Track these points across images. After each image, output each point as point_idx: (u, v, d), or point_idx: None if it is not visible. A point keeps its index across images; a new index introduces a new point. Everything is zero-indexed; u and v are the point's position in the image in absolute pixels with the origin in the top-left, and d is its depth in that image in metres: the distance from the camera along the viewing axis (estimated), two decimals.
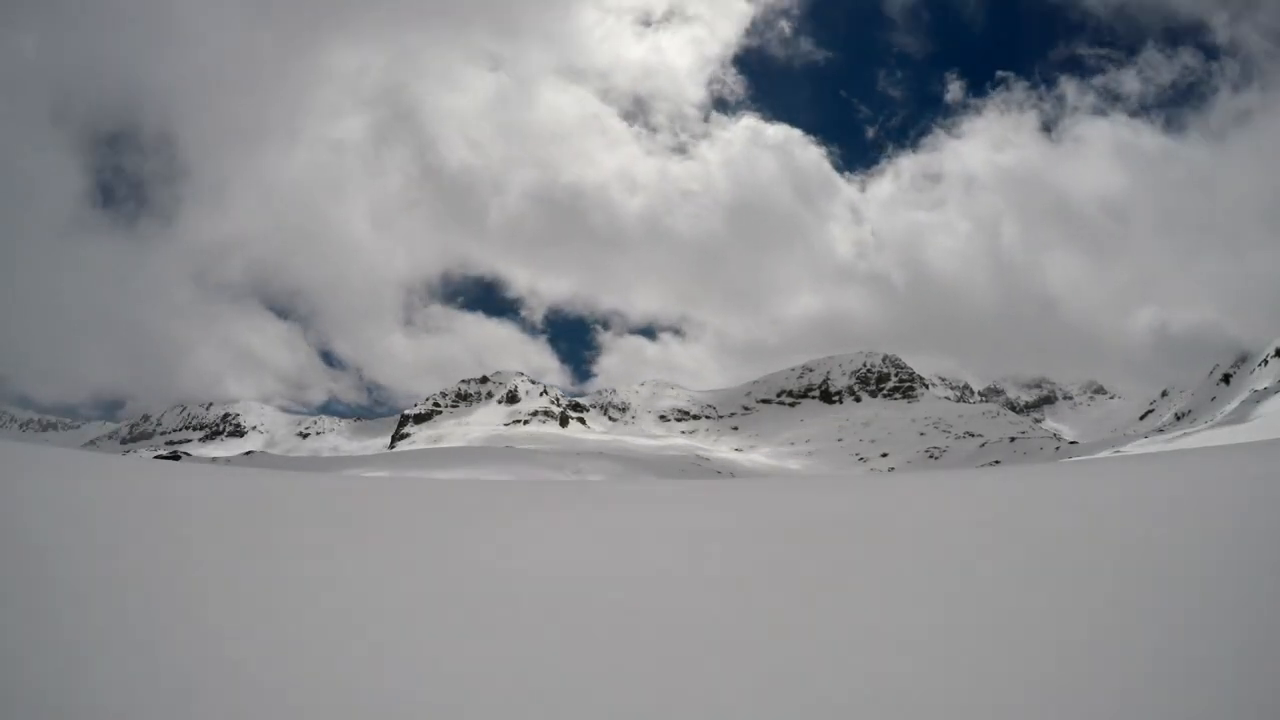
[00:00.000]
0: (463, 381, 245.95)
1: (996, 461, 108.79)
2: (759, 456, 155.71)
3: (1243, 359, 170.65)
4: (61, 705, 2.09)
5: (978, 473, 16.42)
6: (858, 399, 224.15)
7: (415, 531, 6.45)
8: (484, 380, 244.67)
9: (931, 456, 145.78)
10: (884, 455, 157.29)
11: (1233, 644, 2.55)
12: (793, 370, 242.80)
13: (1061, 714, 2.03)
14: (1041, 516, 6.80)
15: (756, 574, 4.26)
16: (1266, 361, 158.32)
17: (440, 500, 9.73)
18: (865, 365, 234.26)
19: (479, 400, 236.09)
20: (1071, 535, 5.45)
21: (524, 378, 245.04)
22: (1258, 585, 3.40)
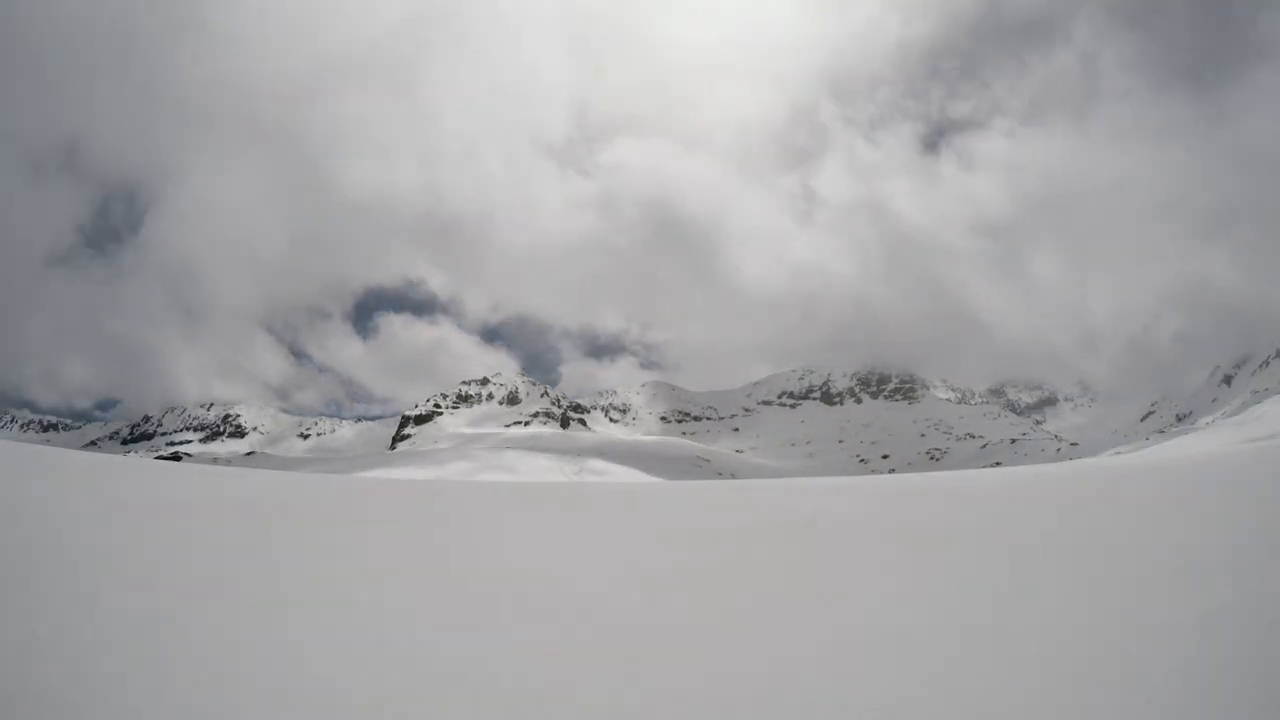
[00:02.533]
0: (463, 383, 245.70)
1: (997, 463, 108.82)
2: (760, 458, 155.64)
3: (1243, 360, 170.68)
4: (63, 706, 2.10)
5: (978, 474, 16.44)
6: (859, 400, 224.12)
7: (415, 533, 6.47)
8: (484, 381, 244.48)
9: (932, 458, 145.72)
10: (885, 457, 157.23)
11: (1232, 644, 2.57)
12: (793, 371, 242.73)
13: (1059, 714, 2.04)
14: (1040, 517, 6.82)
15: (755, 575, 4.28)
16: (1268, 363, 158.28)
17: (440, 502, 9.75)
18: (866, 366, 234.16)
19: (480, 401, 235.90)
20: (1070, 535, 5.47)
21: (525, 379, 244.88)
22: (1256, 586, 3.43)
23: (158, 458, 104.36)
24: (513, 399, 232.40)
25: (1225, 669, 2.34)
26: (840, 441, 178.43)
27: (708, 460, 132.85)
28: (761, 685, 2.34)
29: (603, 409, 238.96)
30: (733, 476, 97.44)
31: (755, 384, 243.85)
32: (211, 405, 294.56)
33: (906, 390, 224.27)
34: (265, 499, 8.65)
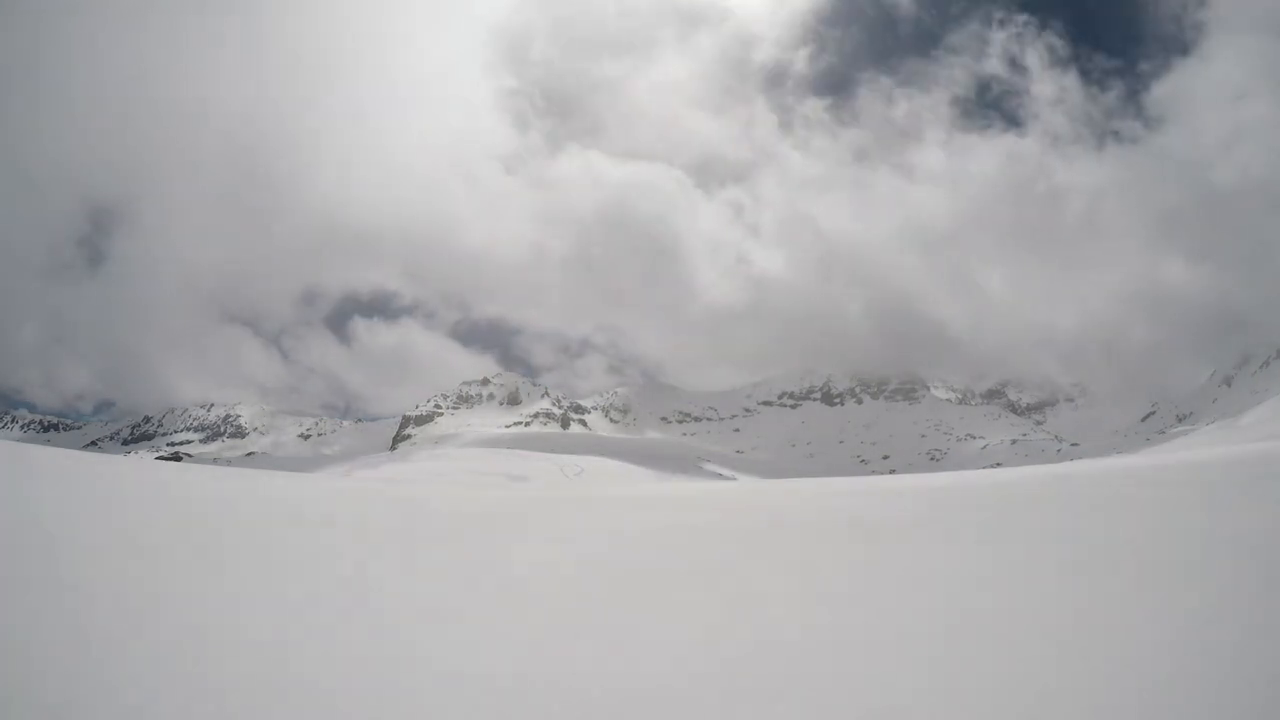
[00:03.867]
0: (464, 383, 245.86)
1: (998, 464, 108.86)
2: (761, 458, 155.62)
3: (1244, 361, 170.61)
4: (63, 705, 2.10)
5: (976, 474, 16.45)
6: (859, 401, 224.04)
7: (414, 533, 6.50)
8: (485, 382, 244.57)
9: (933, 459, 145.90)
10: (885, 457, 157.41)
11: (1230, 644, 2.58)
12: (794, 372, 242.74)
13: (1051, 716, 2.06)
14: (1039, 517, 6.84)
15: (753, 575, 4.31)
16: (1268, 363, 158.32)
17: (438, 503, 9.78)
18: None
19: (480, 402, 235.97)
20: (1068, 536, 5.49)
21: (526, 380, 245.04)
22: (1252, 585, 3.45)
23: (158, 458, 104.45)
24: (513, 399, 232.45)
25: (1219, 670, 2.34)
26: (841, 442, 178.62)
27: (708, 460, 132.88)
28: (760, 684, 2.35)
29: (603, 409, 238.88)
30: (733, 478, 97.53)
31: (756, 384, 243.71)
32: (212, 406, 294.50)
33: (907, 391, 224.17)
34: (265, 499, 8.68)
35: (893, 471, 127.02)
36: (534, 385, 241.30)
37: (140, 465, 13.25)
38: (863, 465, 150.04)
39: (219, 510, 7.25)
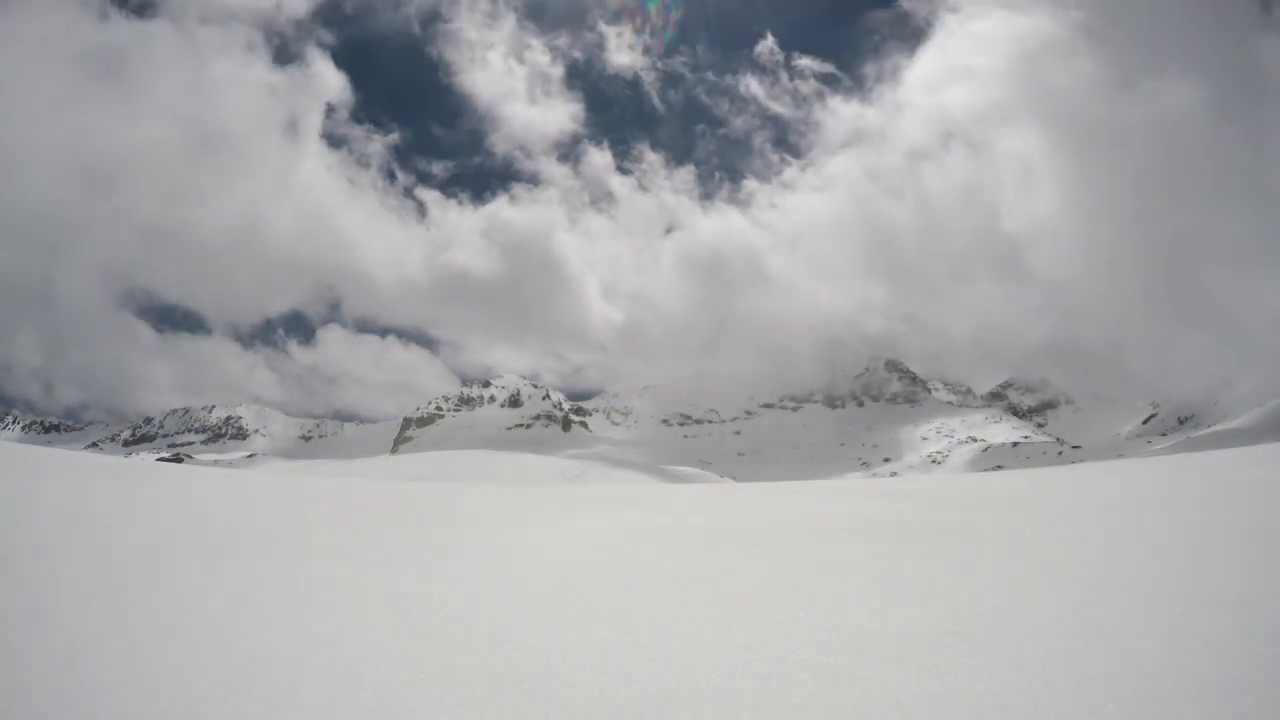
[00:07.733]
0: (465, 385, 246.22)
1: (999, 466, 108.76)
2: (761, 461, 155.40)
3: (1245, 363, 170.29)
4: (63, 706, 2.10)
5: (977, 476, 16.45)
6: (860, 404, 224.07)
7: (414, 532, 6.50)
8: (486, 384, 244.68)
9: (934, 461, 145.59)
10: (886, 460, 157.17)
11: (1233, 645, 2.55)
12: (796, 374, 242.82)
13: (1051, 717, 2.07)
14: (1044, 519, 6.83)
15: (752, 576, 4.30)
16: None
17: (437, 502, 9.78)
18: (868, 369, 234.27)
19: (481, 404, 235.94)
20: (1069, 538, 5.48)
21: (526, 382, 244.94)
22: (1253, 585, 3.42)
23: (159, 459, 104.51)
24: (514, 401, 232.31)
25: (1218, 670, 2.34)
26: (842, 444, 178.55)
27: (709, 463, 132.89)
28: (760, 685, 2.36)
29: (604, 411, 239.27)
30: (734, 479, 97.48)
31: (757, 387, 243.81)
32: (213, 408, 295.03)
33: (909, 394, 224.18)
34: (265, 499, 8.69)
35: (894, 474, 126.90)
36: (534, 388, 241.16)
37: (139, 466, 13.27)
38: (863, 467, 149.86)
39: (219, 510, 7.25)
